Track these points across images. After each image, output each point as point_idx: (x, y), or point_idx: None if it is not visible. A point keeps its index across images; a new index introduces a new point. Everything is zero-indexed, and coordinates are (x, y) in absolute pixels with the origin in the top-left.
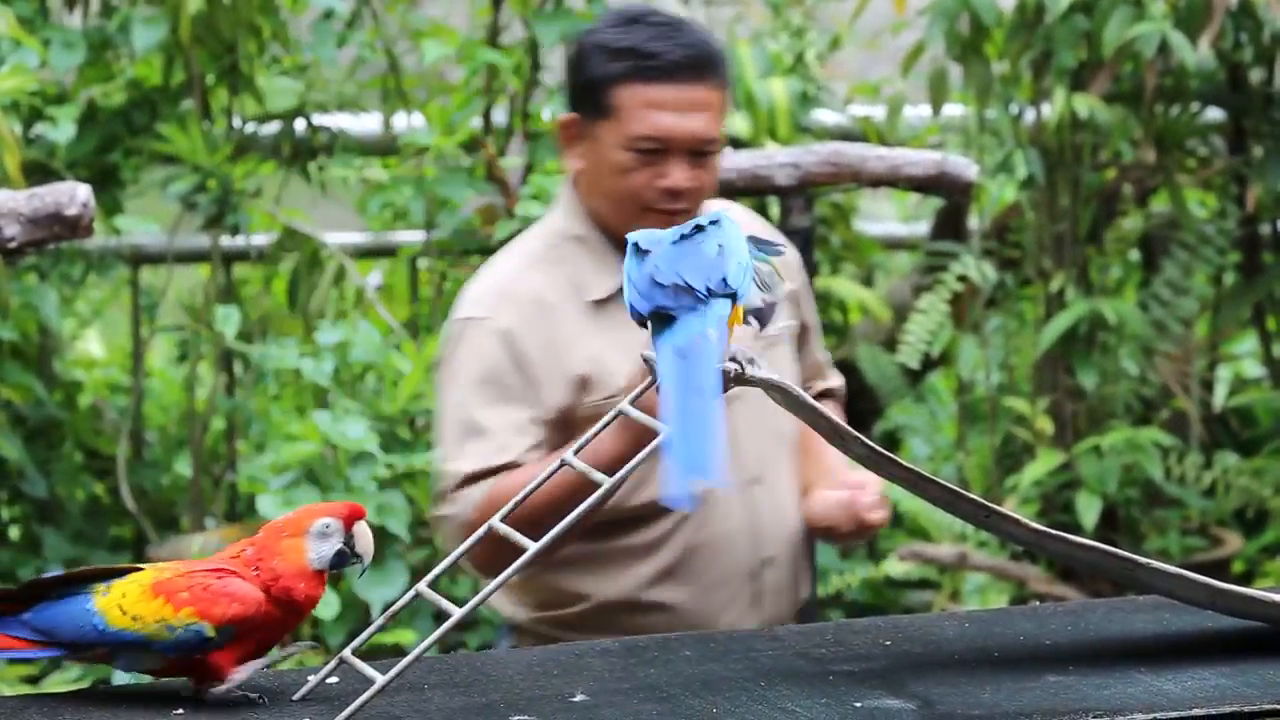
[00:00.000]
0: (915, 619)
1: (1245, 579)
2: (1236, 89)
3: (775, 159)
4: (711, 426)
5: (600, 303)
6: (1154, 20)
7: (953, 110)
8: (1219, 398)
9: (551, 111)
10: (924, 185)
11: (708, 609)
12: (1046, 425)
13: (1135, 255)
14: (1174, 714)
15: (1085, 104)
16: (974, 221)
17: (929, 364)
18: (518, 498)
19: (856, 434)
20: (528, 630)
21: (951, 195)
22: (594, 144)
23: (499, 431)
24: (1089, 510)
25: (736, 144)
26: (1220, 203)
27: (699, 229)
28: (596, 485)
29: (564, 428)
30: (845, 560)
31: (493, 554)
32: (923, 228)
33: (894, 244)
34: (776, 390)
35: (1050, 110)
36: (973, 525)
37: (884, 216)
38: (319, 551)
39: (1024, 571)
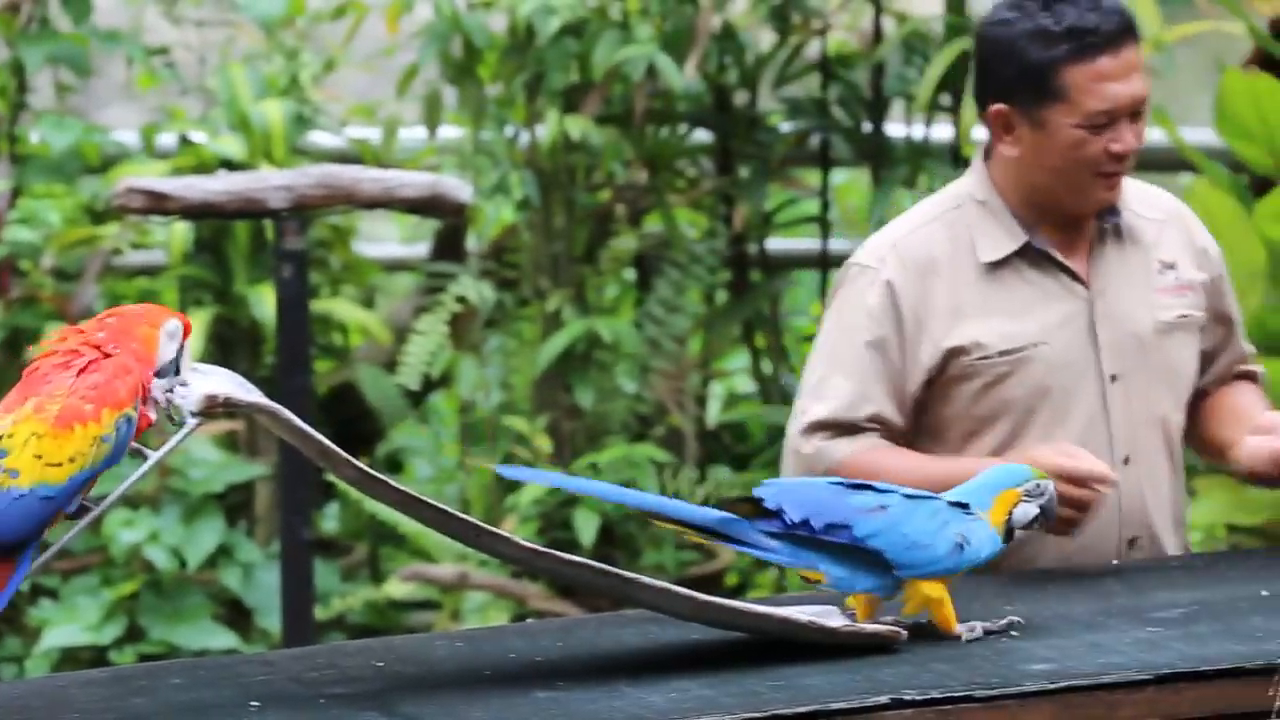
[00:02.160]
0: (408, 639)
1: (739, 591)
2: (722, 111)
3: (269, 181)
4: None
5: (992, 265)
6: (641, 43)
7: (450, 132)
8: (712, 414)
9: (40, 135)
10: (418, 207)
11: None
12: (545, 443)
13: (630, 274)
14: None
15: (578, 126)
16: (473, 243)
17: (430, 385)
18: None
19: (345, 456)
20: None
21: (446, 216)
22: (1036, 129)
23: (861, 384)
24: (588, 527)
25: (230, 166)
26: (710, 222)
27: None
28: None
29: (925, 388)
30: (348, 583)
31: None
32: (423, 249)
33: (394, 265)
34: (263, 413)
35: (544, 132)
36: (467, 545)
37: (385, 238)
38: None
39: (524, 589)
